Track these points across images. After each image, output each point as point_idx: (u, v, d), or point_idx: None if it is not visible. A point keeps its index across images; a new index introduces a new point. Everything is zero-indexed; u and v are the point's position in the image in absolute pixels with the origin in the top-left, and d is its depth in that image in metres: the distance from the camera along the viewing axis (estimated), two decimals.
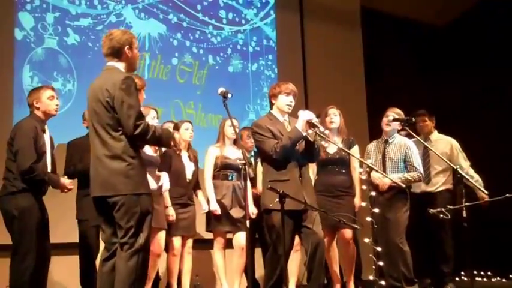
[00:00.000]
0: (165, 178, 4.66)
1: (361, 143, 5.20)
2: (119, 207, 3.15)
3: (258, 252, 5.60)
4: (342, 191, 4.87)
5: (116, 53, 3.33)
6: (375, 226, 4.82)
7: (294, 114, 4.09)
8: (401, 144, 4.87)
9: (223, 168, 5.08)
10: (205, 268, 5.89)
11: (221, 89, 3.69)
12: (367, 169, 4.81)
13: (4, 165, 4.10)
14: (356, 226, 4.36)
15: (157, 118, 4.61)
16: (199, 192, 5.25)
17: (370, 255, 4.98)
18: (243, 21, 7.18)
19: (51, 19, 5.75)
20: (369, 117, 7.63)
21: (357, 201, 4.97)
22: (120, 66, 3.34)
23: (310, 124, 3.92)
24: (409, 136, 4.90)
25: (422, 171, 4.86)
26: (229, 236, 5.15)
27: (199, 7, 6.80)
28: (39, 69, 5.60)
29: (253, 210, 5.03)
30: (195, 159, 5.20)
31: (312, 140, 3.96)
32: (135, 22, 6.27)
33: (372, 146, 5.06)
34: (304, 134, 3.92)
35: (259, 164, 5.02)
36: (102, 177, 3.19)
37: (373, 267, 4.93)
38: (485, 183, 5.38)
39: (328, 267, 4.95)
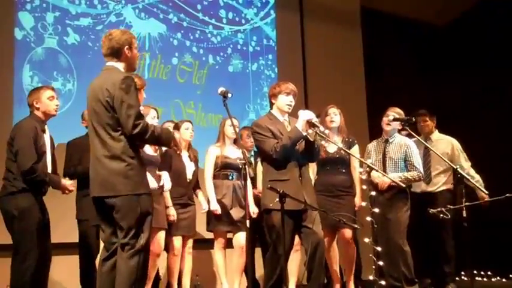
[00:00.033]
0: (166, 177, 4.65)
1: (361, 143, 5.20)
2: (119, 208, 3.15)
3: (258, 252, 5.60)
4: (342, 191, 4.86)
5: (116, 53, 3.33)
6: (375, 226, 4.82)
7: (294, 114, 4.08)
8: (401, 144, 4.87)
9: (223, 168, 5.08)
10: (205, 268, 5.89)
11: (221, 89, 3.69)
12: (367, 169, 4.80)
13: (4, 165, 4.09)
14: (356, 226, 4.36)
15: (158, 118, 4.61)
16: (200, 192, 5.25)
17: (370, 255, 4.97)
18: (243, 21, 7.17)
19: (51, 19, 5.75)
20: (369, 117, 7.63)
21: (357, 201, 4.97)
22: (120, 66, 3.34)
23: (310, 124, 3.91)
24: (409, 136, 4.90)
25: (422, 170, 4.86)
26: (229, 235, 5.15)
27: (199, 7, 6.80)
28: (39, 69, 5.61)
29: (254, 210, 5.03)
30: (195, 159, 5.20)
31: (312, 139, 3.96)
32: (135, 22, 6.27)
33: (372, 146, 5.05)
34: (304, 133, 3.92)
35: (259, 163, 5.02)
36: (102, 177, 3.19)
37: (373, 267, 4.92)
38: (485, 183, 5.37)
39: (328, 267, 4.95)
